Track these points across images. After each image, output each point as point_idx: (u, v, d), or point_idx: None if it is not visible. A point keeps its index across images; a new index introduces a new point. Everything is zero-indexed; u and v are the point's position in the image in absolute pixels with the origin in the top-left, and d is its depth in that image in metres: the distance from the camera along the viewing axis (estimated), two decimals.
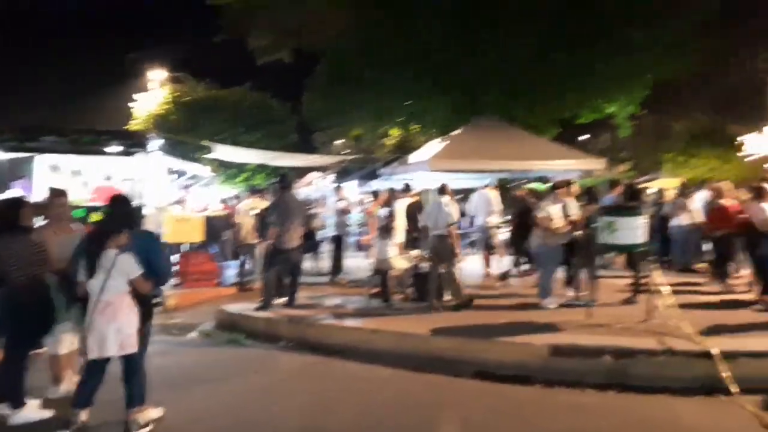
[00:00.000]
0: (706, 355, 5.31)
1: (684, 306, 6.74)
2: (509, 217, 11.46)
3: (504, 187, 13.23)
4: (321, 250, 12.32)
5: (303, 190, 15.55)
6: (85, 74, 25.62)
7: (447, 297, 8.07)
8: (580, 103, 17.99)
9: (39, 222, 5.37)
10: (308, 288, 9.40)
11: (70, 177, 11.30)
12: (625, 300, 7.98)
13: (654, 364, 5.47)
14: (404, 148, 20.61)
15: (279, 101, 18.65)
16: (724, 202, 8.89)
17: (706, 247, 10.61)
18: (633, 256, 7.97)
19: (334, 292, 9.58)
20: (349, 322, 7.30)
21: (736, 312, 7.30)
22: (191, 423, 4.65)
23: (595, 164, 14.04)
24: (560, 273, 8.37)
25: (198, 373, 6.14)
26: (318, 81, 19.50)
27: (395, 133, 23.69)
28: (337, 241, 11.74)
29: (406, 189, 11.24)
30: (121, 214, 4.59)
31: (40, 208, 5.61)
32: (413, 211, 10.20)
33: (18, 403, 4.62)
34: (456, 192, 10.89)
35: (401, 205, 9.87)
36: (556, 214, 7.92)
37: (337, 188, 13.22)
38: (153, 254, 4.65)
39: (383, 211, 9.88)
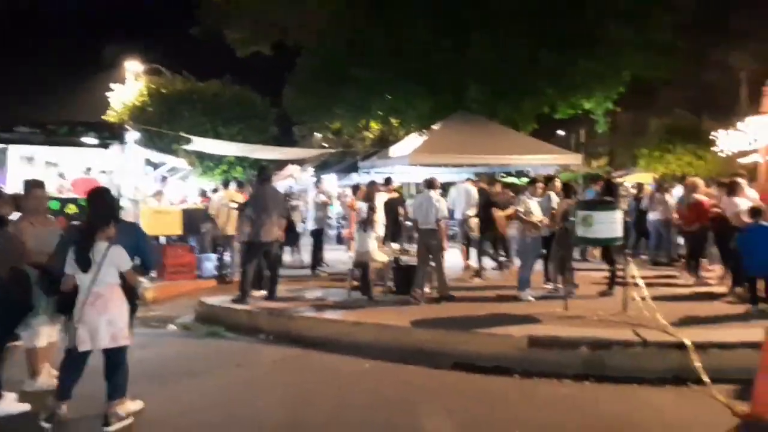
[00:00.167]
0: (679, 346, 5.45)
1: (658, 298, 6.91)
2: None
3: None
4: (301, 243, 12.31)
5: (282, 182, 15.46)
6: (62, 65, 25.20)
7: (427, 289, 8.14)
8: (559, 98, 18.17)
9: (14, 214, 5.28)
10: (289, 281, 9.39)
11: (45, 168, 11.14)
12: (602, 292, 8.13)
13: (629, 355, 5.60)
14: (384, 142, 20.58)
15: (258, 94, 18.48)
16: (699, 196, 9.07)
17: (680, 240, 10.90)
18: (609, 250, 8.11)
19: (315, 285, 9.59)
20: (330, 315, 7.31)
21: (709, 304, 7.49)
22: (175, 416, 4.62)
23: (572, 159, 14.31)
24: (539, 265, 8.50)
25: (180, 365, 6.10)
26: (299, 76, 19.36)
27: (375, 127, 23.65)
28: (318, 235, 11.74)
29: (387, 182, 11.29)
30: (105, 207, 4.55)
31: (16, 200, 5.52)
32: (392, 206, 10.25)
33: None
34: None
35: (381, 199, 9.90)
36: (535, 208, 8.06)
37: (318, 182, 13.21)
38: (141, 245, 4.72)
39: (363, 205, 9.90)
